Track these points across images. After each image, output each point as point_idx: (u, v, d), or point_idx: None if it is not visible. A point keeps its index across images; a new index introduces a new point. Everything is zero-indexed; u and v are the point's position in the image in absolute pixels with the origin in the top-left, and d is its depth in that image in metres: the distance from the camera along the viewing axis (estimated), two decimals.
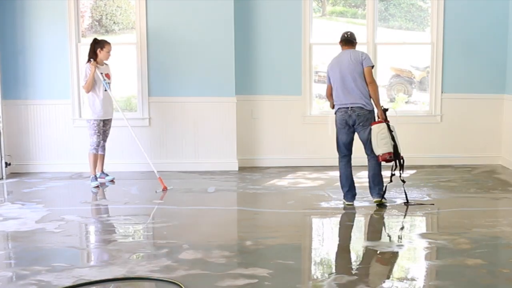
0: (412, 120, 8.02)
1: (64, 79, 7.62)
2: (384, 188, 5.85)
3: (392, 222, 5.52)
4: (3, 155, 7.39)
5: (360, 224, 5.58)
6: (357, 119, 5.76)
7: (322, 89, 8.77)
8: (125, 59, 7.96)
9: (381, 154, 5.69)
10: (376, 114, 5.83)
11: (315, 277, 4.20)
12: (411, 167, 7.62)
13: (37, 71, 7.59)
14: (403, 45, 8.63)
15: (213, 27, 7.58)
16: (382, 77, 8.57)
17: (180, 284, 3.84)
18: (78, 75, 7.57)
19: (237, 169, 7.71)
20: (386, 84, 9.64)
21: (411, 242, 4.83)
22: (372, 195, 5.92)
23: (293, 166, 7.76)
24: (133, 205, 6.13)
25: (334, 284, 3.90)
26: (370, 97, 5.80)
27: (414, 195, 6.31)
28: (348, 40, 5.99)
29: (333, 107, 5.97)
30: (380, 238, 5.09)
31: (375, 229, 5.46)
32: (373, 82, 5.81)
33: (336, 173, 7.41)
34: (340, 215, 5.71)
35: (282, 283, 3.95)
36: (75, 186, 7.02)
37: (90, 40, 7.06)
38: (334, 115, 5.94)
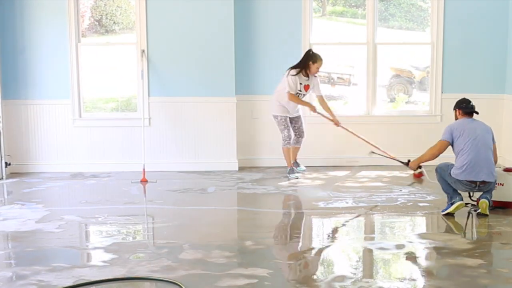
0: (412, 120, 8.02)
1: (64, 79, 7.61)
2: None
3: (393, 223, 5.52)
4: (3, 155, 7.38)
5: (360, 224, 5.58)
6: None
7: (322, 89, 8.76)
8: (125, 59, 7.97)
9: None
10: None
11: (315, 277, 4.20)
12: None
13: (37, 71, 7.59)
14: (403, 45, 8.63)
15: (213, 27, 7.58)
16: (382, 77, 8.57)
17: (180, 284, 3.84)
18: (78, 75, 7.60)
19: (237, 169, 7.71)
20: (386, 84, 9.64)
21: (411, 242, 4.83)
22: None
23: None
24: (133, 205, 6.13)
25: (334, 284, 3.90)
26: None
27: (414, 195, 6.31)
28: (472, 112, 5.72)
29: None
30: (379, 238, 5.09)
31: (375, 229, 5.45)
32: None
33: (336, 173, 7.44)
34: (340, 215, 5.70)
35: (282, 283, 3.95)
36: (75, 186, 7.02)
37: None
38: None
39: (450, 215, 5.53)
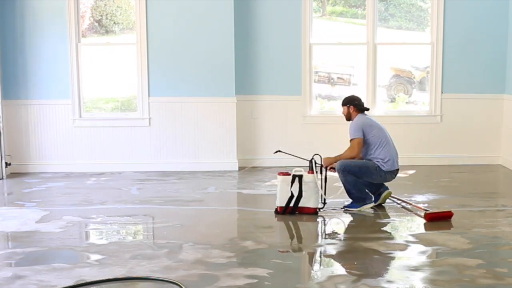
0: (412, 120, 8.03)
1: (64, 79, 7.62)
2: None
3: (393, 223, 5.52)
4: (3, 155, 7.39)
5: (359, 224, 5.58)
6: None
7: (322, 89, 8.80)
8: (125, 59, 7.97)
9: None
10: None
11: (315, 277, 4.20)
12: (411, 167, 7.62)
13: (37, 71, 7.59)
14: (403, 45, 8.62)
15: (213, 27, 7.59)
16: (382, 77, 8.57)
17: (180, 284, 3.84)
18: (78, 75, 7.61)
19: (237, 169, 7.71)
20: (386, 84, 9.64)
21: (412, 242, 4.83)
22: None
23: (293, 166, 7.73)
24: (133, 205, 6.13)
25: (334, 284, 3.90)
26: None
27: (414, 195, 6.31)
28: (364, 110, 5.95)
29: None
30: (379, 238, 5.08)
31: (375, 229, 5.45)
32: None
33: (334, 173, 7.43)
34: (340, 215, 5.70)
35: (282, 283, 3.95)
36: (75, 186, 7.02)
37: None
38: None
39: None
